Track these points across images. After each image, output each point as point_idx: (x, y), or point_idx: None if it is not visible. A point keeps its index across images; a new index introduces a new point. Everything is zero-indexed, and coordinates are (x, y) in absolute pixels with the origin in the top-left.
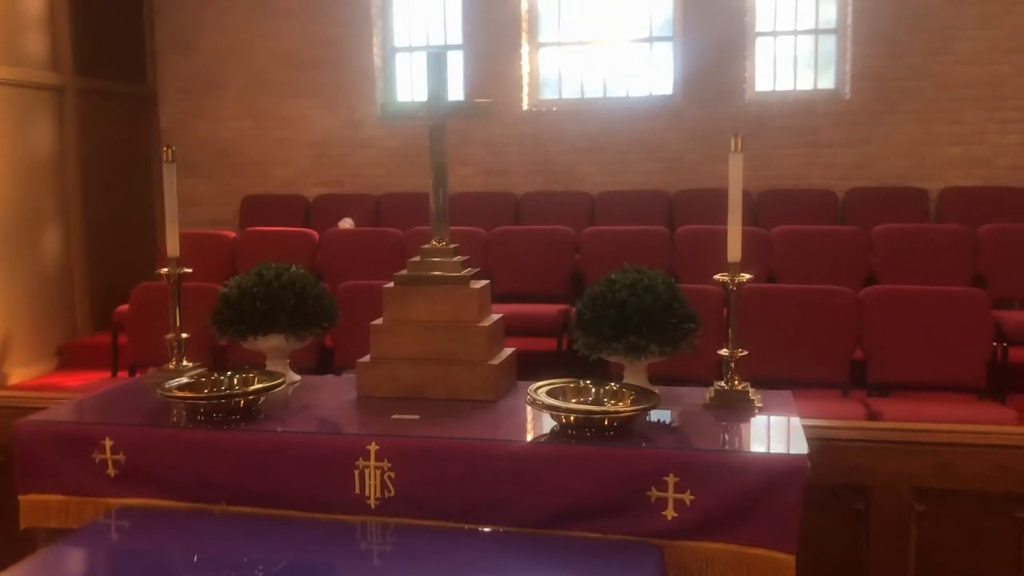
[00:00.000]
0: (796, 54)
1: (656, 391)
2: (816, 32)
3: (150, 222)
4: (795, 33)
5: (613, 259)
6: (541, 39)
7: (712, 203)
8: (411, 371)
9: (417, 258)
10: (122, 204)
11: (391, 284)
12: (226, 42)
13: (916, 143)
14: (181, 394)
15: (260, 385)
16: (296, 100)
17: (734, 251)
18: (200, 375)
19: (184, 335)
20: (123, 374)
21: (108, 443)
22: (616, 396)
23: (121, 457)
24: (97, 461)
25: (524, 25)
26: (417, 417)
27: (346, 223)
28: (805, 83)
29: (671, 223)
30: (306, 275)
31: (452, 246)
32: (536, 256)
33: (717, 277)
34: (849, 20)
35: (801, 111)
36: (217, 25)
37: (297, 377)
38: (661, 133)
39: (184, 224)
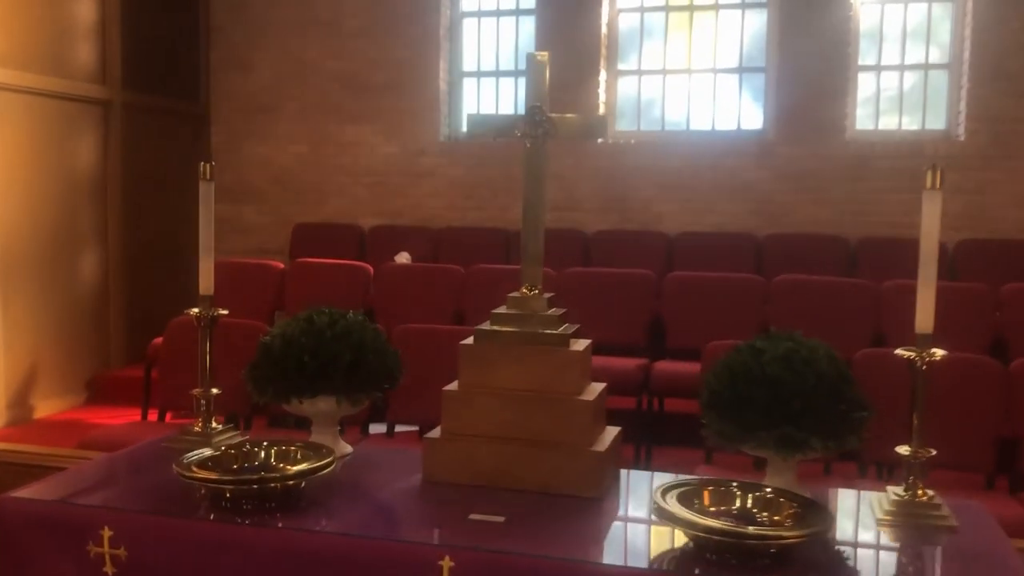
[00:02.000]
0: (903, 90)
1: (819, 503)
2: (926, 67)
3: (195, 249)
4: (902, 68)
5: (699, 309)
6: (621, 66)
7: (806, 249)
8: (493, 453)
9: (503, 309)
10: (166, 228)
11: (470, 340)
12: (285, 62)
13: None
14: (202, 474)
15: (303, 466)
16: (356, 125)
17: (925, 319)
18: (230, 445)
19: (215, 391)
20: (154, 415)
21: (107, 533)
22: (770, 507)
23: (122, 552)
24: (92, 555)
25: (603, 51)
26: (502, 520)
27: (403, 257)
28: (910, 123)
29: (759, 270)
30: (365, 324)
31: (547, 295)
32: (611, 302)
33: (901, 352)
34: (966, 55)
35: (906, 152)
36: (277, 44)
37: (348, 448)
38: (750, 171)
39: (230, 252)
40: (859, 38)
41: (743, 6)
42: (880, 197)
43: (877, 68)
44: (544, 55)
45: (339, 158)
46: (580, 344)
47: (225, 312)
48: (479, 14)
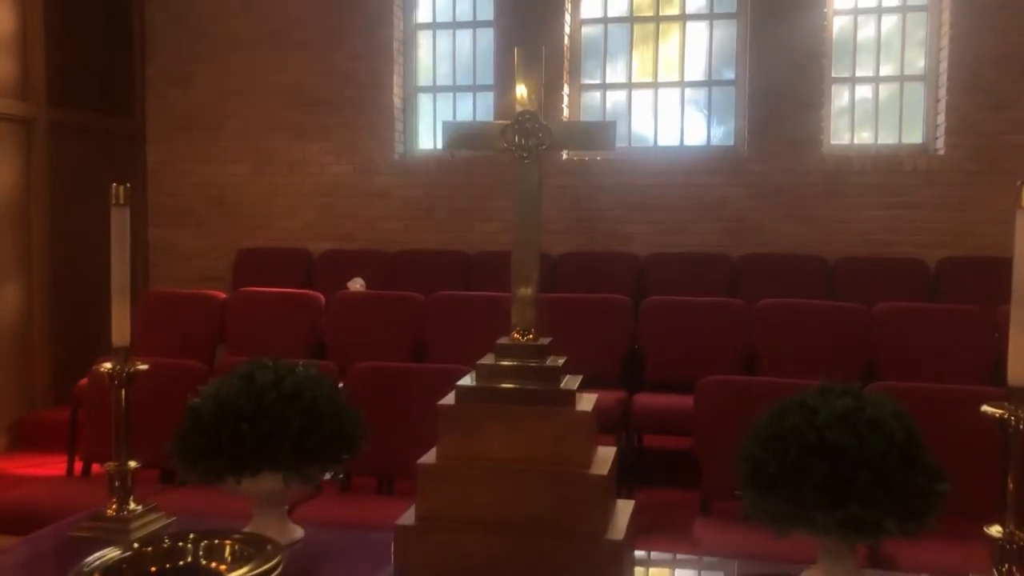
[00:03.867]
0: (878, 103)
1: None
2: (901, 79)
3: (131, 285)
4: (876, 80)
5: (679, 337)
6: (584, 80)
7: (783, 270)
8: (483, 544)
9: (490, 359)
10: (97, 257)
11: (450, 399)
12: (227, 76)
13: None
14: None
15: (242, 571)
16: (304, 143)
17: (1019, 366)
18: (148, 540)
19: (132, 464)
20: (84, 464)
21: None
22: None
23: None
24: None
25: (565, 64)
26: None
27: (356, 284)
28: (886, 137)
29: (734, 291)
30: (320, 379)
31: (543, 341)
32: (582, 331)
33: (988, 409)
34: (944, 66)
35: (884, 167)
36: (218, 57)
37: (297, 533)
38: (721, 189)
39: (167, 281)
40: (832, 49)
41: (711, 17)
42: (858, 215)
43: (851, 80)
44: (539, 46)
45: (286, 178)
46: (587, 401)
47: (144, 367)
48: (434, 26)
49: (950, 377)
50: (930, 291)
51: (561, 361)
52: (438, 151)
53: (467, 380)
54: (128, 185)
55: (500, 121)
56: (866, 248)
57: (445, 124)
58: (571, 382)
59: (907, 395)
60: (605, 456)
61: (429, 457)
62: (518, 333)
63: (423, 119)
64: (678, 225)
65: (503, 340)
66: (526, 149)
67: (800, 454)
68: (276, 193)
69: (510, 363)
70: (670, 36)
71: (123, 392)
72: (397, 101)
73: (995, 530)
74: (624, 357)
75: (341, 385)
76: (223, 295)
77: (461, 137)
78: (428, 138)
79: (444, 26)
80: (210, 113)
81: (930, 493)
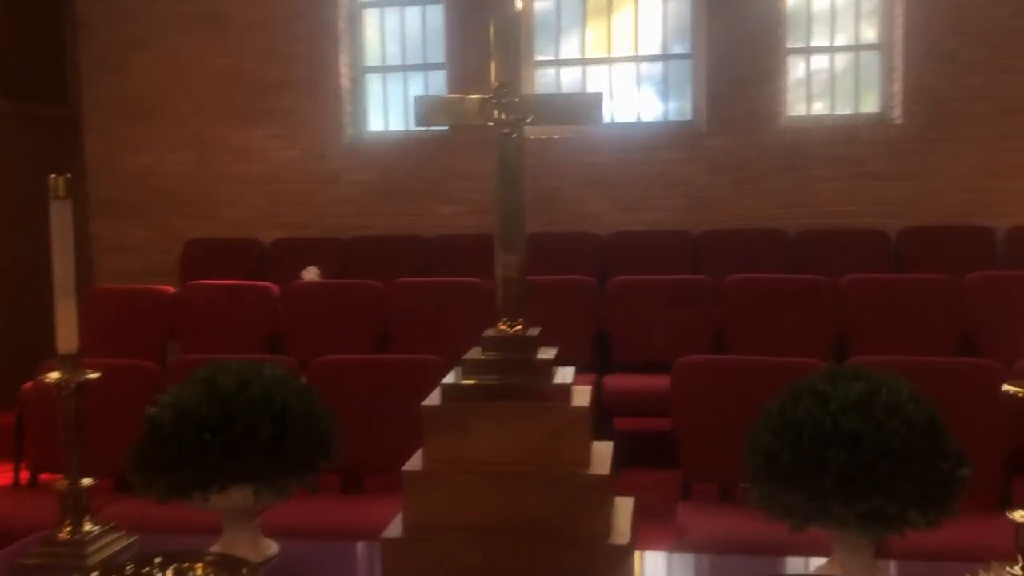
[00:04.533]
0: (834, 73)
1: None
2: (857, 49)
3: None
4: (832, 50)
5: (646, 316)
6: (538, 57)
7: (744, 244)
8: (478, 553)
9: (478, 353)
10: (36, 252)
11: (435, 399)
12: (166, 61)
13: (980, 175)
14: None
15: None
16: (249, 128)
17: None
18: (107, 564)
19: (87, 481)
20: (31, 475)
21: None
22: None
23: None
24: None
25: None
26: None
27: (310, 273)
28: (843, 108)
29: (697, 267)
30: (288, 380)
31: (532, 332)
32: (549, 312)
33: (1009, 388)
34: (900, 34)
35: (843, 138)
36: (156, 41)
37: (272, 548)
38: (681, 164)
39: (111, 275)
40: (787, 20)
41: None
42: (818, 186)
43: (807, 51)
44: (517, 7)
45: (231, 165)
46: (582, 395)
47: (94, 376)
48: (382, 4)
49: (920, 347)
50: (892, 261)
51: (553, 353)
52: (390, 132)
53: (452, 377)
54: (68, 176)
55: (478, 95)
56: (827, 220)
57: (418, 99)
58: (564, 375)
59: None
60: (603, 453)
61: (414, 463)
62: (505, 324)
63: (373, 100)
64: (639, 202)
65: (489, 332)
66: (507, 124)
67: (815, 443)
68: (221, 181)
69: (498, 357)
70: (624, 9)
71: (73, 404)
72: (345, 82)
73: (1019, 515)
74: (592, 339)
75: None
76: (172, 289)
77: (435, 113)
78: (379, 120)
79: (392, 3)
80: (149, 100)
81: (954, 481)
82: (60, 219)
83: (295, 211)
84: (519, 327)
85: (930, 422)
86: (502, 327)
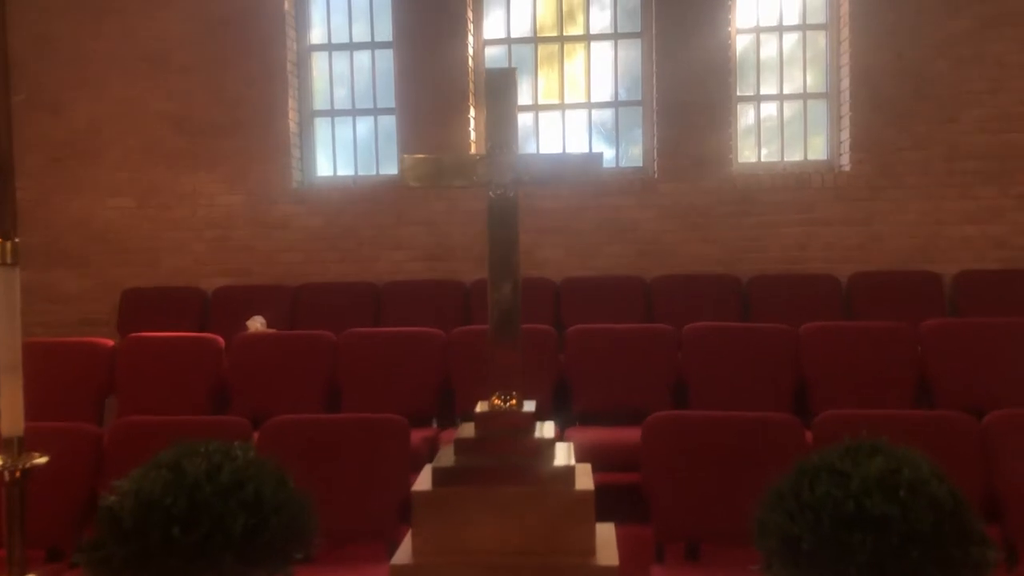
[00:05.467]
0: (783, 121)
1: None
2: (804, 97)
3: None
4: (780, 97)
5: (606, 366)
6: None
7: (697, 291)
8: None
9: (469, 431)
10: None
11: (425, 483)
12: (104, 103)
13: (926, 221)
14: None
15: None
16: (192, 173)
17: None
18: None
19: None
20: None
21: None
22: None
23: None
24: None
25: (471, 86)
26: None
27: (256, 323)
28: (792, 155)
29: (650, 314)
30: (263, 465)
31: (528, 406)
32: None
33: None
34: (845, 84)
35: (793, 184)
36: (93, 82)
37: None
38: (633, 210)
39: (43, 327)
40: (737, 68)
41: (615, 36)
42: (769, 232)
43: (756, 98)
44: (512, 69)
45: (173, 211)
46: (585, 475)
47: (43, 460)
48: (329, 47)
49: (879, 395)
50: (843, 306)
51: (552, 429)
52: (339, 177)
53: (444, 458)
54: (17, 241)
55: (469, 154)
56: (778, 265)
57: (404, 160)
58: (565, 453)
59: (852, 423)
60: (607, 539)
61: (403, 555)
62: (499, 398)
63: (321, 144)
64: (591, 248)
65: (482, 407)
66: (502, 185)
67: (837, 527)
68: (163, 227)
69: (493, 435)
70: (575, 56)
71: (17, 492)
72: (292, 126)
73: None
74: (552, 390)
75: (252, 444)
76: (110, 343)
77: (422, 172)
78: (328, 164)
79: (340, 47)
80: (86, 142)
81: (983, 564)
82: (6, 288)
83: (240, 258)
84: (513, 401)
85: (956, 503)
86: (496, 401)
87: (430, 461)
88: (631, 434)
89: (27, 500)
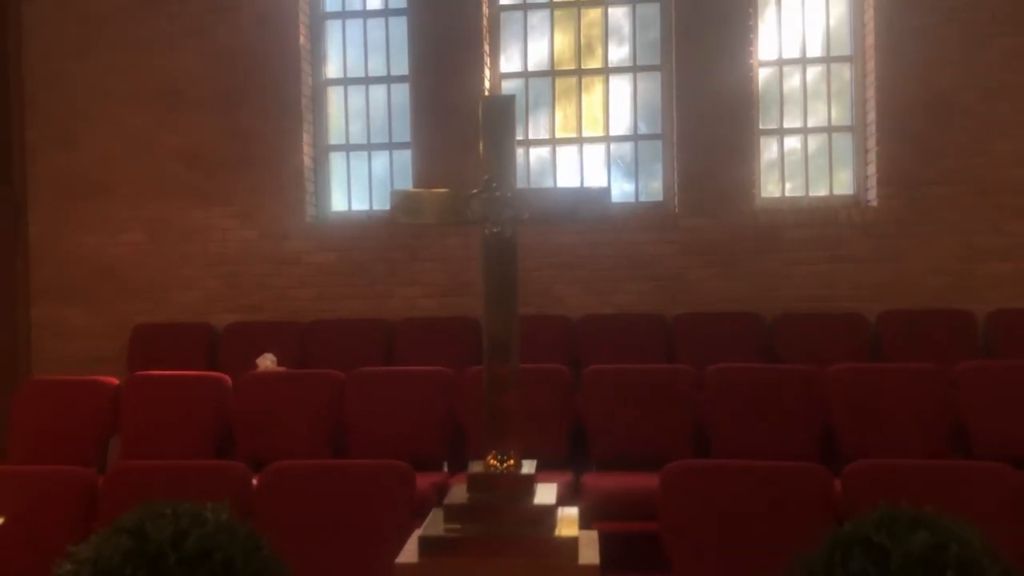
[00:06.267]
0: (807, 154)
1: None
2: (829, 130)
3: (12, 366)
4: (805, 131)
5: (625, 408)
6: None
7: (718, 330)
8: None
9: (462, 496)
10: None
11: (411, 555)
12: (118, 138)
13: (956, 258)
14: None
15: None
16: (204, 209)
17: None
18: None
19: None
20: None
21: None
22: None
23: None
24: None
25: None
26: None
27: (266, 360)
28: (817, 189)
29: (670, 353)
30: (234, 528)
31: (527, 467)
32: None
33: None
34: (871, 117)
35: (819, 220)
36: (106, 118)
37: None
38: (653, 246)
39: (54, 363)
40: (759, 101)
41: (634, 69)
42: (794, 269)
43: (780, 132)
44: (510, 96)
45: (184, 246)
46: (590, 546)
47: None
48: (345, 82)
49: (911, 441)
50: (872, 346)
51: (553, 493)
52: (353, 212)
53: (433, 526)
54: None
55: (461, 191)
56: (804, 304)
57: (395, 195)
58: (568, 522)
59: (884, 475)
60: None
61: None
62: (495, 457)
63: (336, 179)
64: (610, 285)
65: (475, 468)
66: (498, 223)
67: None
68: (174, 263)
69: (488, 500)
70: (593, 89)
71: None
72: (307, 161)
73: None
74: (568, 433)
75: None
76: (115, 381)
77: (413, 209)
78: (342, 199)
79: (356, 82)
80: (99, 178)
81: None
82: None
83: (252, 294)
84: (511, 462)
85: None
86: (492, 461)
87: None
88: (650, 481)
89: (13, 551)
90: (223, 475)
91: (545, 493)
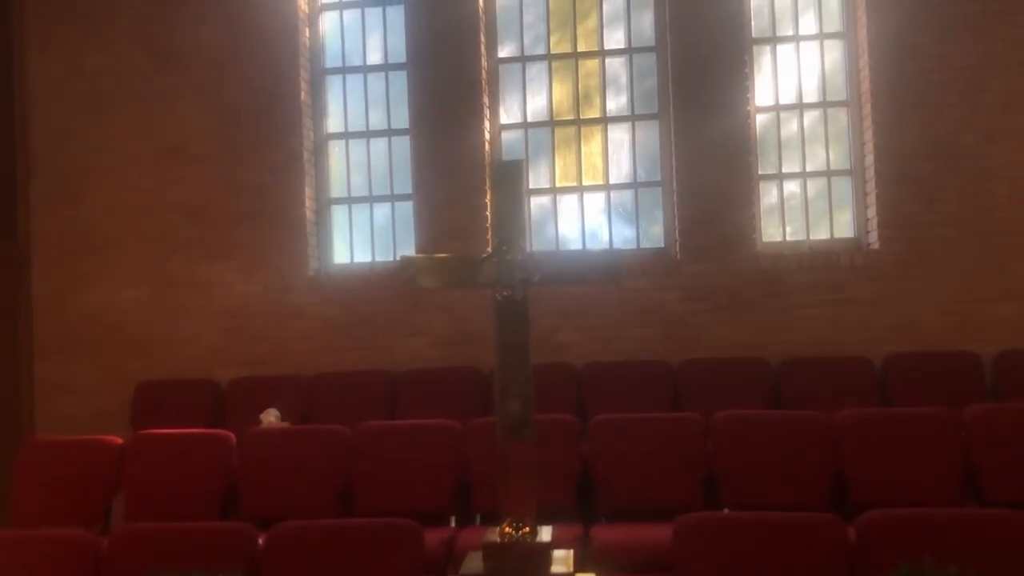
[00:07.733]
0: (807, 198)
1: None
2: (828, 174)
3: (14, 427)
4: (804, 175)
5: (633, 458)
6: None
7: (724, 376)
8: None
9: (478, 564)
10: None
11: None
12: (121, 193)
13: (960, 300)
14: None
15: None
16: (207, 263)
17: None
18: None
19: None
20: None
21: None
22: None
23: None
24: None
25: (487, 170)
26: None
27: (270, 416)
28: (818, 233)
29: (676, 400)
30: None
31: (543, 534)
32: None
33: None
34: (870, 160)
35: (821, 264)
36: (110, 174)
37: None
38: (656, 292)
39: (58, 421)
40: (757, 146)
41: (633, 118)
42: (797, 313)
43: (779, 176)
44: (519, 160)
45: (188, 300)
46: None
47: None
48: (346, 135)
49: (922, 487)
50: (878, 390)
51: (569, 559)
52: (355, 264)
53: None
54: None
55: (473, 256)
56: (809, 347)
57: (405, 261)
58: None
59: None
60: None
61: None
62: (510, 525)
63: (338, 232)
64: (614, 332)
65: (491, 536)
66: (510, 286)
67: None
68: (178, 318)
69: (503, 571)
70: (593, 138)
71: None
72: (309, 214)
73: None
74: (575, 485)
75: None
76: (119, 440)
77: (433, 275)
78: (344, 252)
79: (357, 135)
80: (102, 234)
81: None
82: None
83: (256, 348)
84: (526, 529)
85: None
86: (507, 529)
87: (446, 566)
88: (660, 532)
89: None
90: (229, 537)
91: (562, 561)
